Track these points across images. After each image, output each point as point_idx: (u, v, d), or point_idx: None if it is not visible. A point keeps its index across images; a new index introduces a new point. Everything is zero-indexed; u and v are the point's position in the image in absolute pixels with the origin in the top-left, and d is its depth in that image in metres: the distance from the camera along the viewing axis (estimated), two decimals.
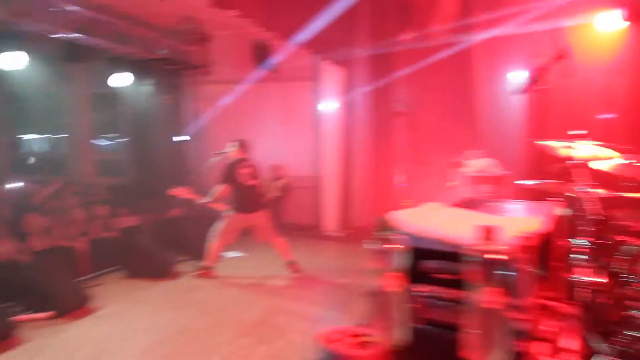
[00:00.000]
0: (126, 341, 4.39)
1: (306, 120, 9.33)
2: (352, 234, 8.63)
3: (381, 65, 8.42)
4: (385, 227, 2.69)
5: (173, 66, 8.54)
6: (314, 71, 8.99)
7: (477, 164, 6.97)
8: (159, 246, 6.60)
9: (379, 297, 2.59)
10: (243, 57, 9.30)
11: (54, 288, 4.94)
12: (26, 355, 4.09)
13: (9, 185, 9.10)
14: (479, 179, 6.69)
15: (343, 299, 5.46)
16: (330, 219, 8.87)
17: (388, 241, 2.62)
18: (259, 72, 9.04)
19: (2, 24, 5.76)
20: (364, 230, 8.57)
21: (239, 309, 5.20)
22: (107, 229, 7.48)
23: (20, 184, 9.37)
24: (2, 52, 5.98)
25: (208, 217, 8.76)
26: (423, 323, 2.76)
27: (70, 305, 4.95)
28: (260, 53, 9.21)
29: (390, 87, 8.40)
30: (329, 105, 8.74)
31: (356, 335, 2.69)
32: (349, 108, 8.61)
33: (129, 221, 7.89)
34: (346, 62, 8.33)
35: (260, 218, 6.21)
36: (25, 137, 12.15)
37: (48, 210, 7.29)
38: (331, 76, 8.63)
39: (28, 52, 6.20)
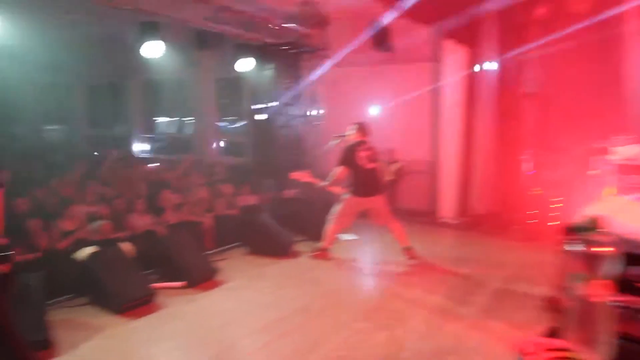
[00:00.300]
0: (250, 315, 4.57)
1: (425, 103, 8.98)
2: (471, 222, 8.18)
3: (510, 39, 7.76)
4: (591, 226, 2.36)
5: (294, 50, 8.68)
6: (435, 51, 8.59)
7: (626, 151, 6.15)
8: (279, 226, 6.78)
9: (582, 307, 2.29)
10: (362, 39, 9.18)
11: (186, 260, 5.29)
12: (163, 320, 4.43)
13: (147, 164, 10.00)
14: (627, 168, 5.90)
15: (463, 290, 5.19)
16: (447, 206, 8.50)
17: (596, 243, 2.31)
18: (377, 54, 8.86)
19: (145, 16, 6.22)
20: (483, 218, 8.09)
21: (355, 292, 5.18)
22: (230, 207, 7.89)
23: (156, 163, 10.27)
24: (145, 41, 6.43)
25: (325, 199, 8.90)
26: (621, 337, 2.39)
27: (200, 276, 5.28)
28: (379, 35, 9.03)
29: (520, 64, 7.75)
30: (450, 86, 8.30)
31: (556, 350, 2.35)
32: (472, 88, 8.09)
33: (250, 200, 8.25)
34: (470, 39, 7.80)
35: (378, 202, 6.09)
36: (159, 119, 13.31)
37: (179, 187, 7.87)
38: (453, 55, 8.16)
39: (164, 41, 6.63)
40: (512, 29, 7.69)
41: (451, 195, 8.43)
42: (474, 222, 8.13)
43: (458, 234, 7.88)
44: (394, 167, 9.13)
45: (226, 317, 4.49)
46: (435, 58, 8.60)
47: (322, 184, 6.27)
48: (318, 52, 9.22)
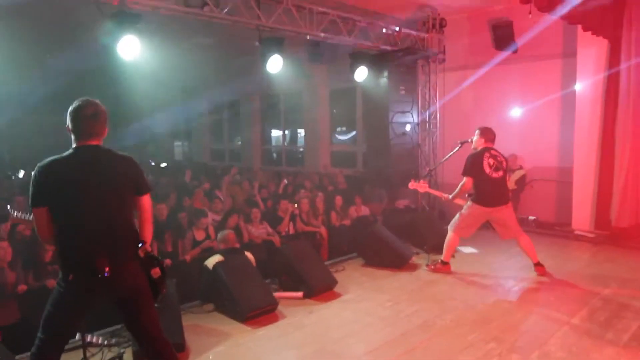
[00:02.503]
0: (370, 328, 4.45)
1: (555, 104, 8.24)
2: (611, 235, 7.30)
3: None
4: None
5: (409, 56, 8.49)
6: (568, 46, 7.85)
7: None
8: (395, 237, 6.59)
9: None
10: (480, 39, 8.72)
11: (305, 270, 5.31)
12: (285, 330, 4.47)
13: (264, 176, 10.40)
14: None
15: (608, 313, 4.59)
16: (583, 217, 7.66)
17: None
18: (499, 54, 8.35)
19: (269, 31, 6.46)
20: (626, 231, 7.17)
21: (481, 310, 4.81)
22: (344, 218, 7.87)
23: (272, 175, 10.65)
24: (268, 57, 6.66)
25: (440, 209, 8.53)
26: None
27: (318, 287, 5.27)
28: (500, 33, 8.52)
29: None
30: (586, 85, 7.49)
31: None
32: (612, 86, 7.22)
33: (363, 210, 8.17)
34: (610, 29, 6.96)
35: (504, 212, 5.64)
36: (274, 132, 13.85)
37: (294, 198, 8.04)
38: (590, 50, 7.36)
39: (282, 55, 6.81)
40: None
41: (587, 205, 7.59)
42: (615, 236, 7.25)
43: (596, 249, 7.06)
44: (517, 174, 8.52)
45: (346, 330, 4.41)
46: (568, 53, 7.86)
47: (447, 196, 5.93)
48: (435, 56, 8.93)
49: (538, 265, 5.75)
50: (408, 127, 8.96)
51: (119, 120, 13.93)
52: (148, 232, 3.00)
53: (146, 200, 2.97)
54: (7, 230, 5.27)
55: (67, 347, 3.71)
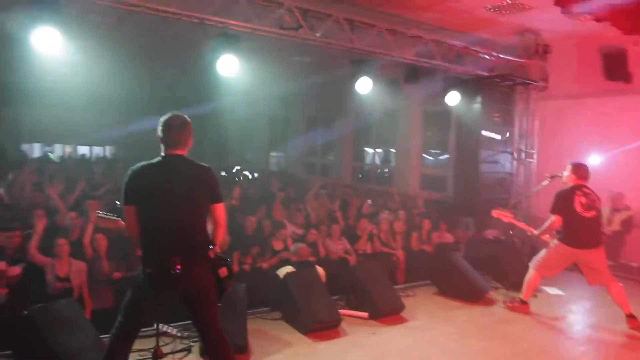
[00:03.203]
0: (430, 359, 4.36)
1: None
2: None
3: None
4: None
5: (506, 82, 8.20)
6: None
7: None
8: (474, 269, 6.37)
9: None
10: (588, 67, 8.18)
11: (373, 291, 5.34)
12: (345, 347, 4.53)
13: (349, 193, 10.53)
14: None
15: None
16: None
17: None
18: (609, 84, 7.75)
19: (361, 54, 6.66)
20: None
21: (556, 358, 4.50)
22: (425, 242, 7.74)
23: (358, 193, 10.74)
24: (357, 78, 6.84)
25: (532, 245, 8.06)
26: None
27: (385, 309, 5.27)
28: (612, 61, 7.92)
29: None
30: None
31: None
32: None
33: (446, 237, 7.97)
34: None
35: (594, 256, 5.22)
36: (365, 150, 13.96)
37: (375, 217, 8.07)
38: None
39: (373, 77, 6.95)
40: None
41: None
42: None
43: None
44: (620, 215, 7.80)
45: (404, 356, 4.37)
46: None
47: (533, 231, 5.63)
48: (534, 84, 8.53)
49: (631, 317, 5.23)
50: (501, 156, 8.60)
51: (219, 130, 15.05)
52: (219, 236, 3.29)
53: (220, 208, 3.24)
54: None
55: (144, 334, 4.14)
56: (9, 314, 3.96)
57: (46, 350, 3.47)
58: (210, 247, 3.19)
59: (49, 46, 4.80)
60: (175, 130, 3.15)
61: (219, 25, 5.56)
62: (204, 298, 3.14)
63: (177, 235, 3.04)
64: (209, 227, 3.28)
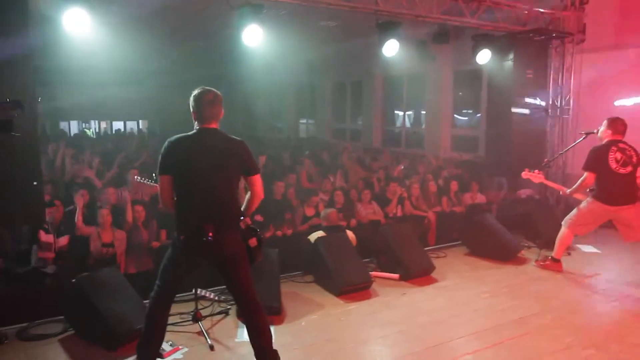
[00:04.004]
0: (460, 317, 4.44)
1: None
2: None
3: None
4: None
5: (541, 37, 7.89)
6: None
7: None
8: (506, 228, 6.34)
9: None
10: (628, 17, 7.76)
11: (404, 253, 5.42)
12: (375, 308, 4.66)
13: (378, 157, 10.52)
14: None
15: None
16: None
17: None
18: None
19: (384, 16, 6.53)
20: None
21: (587, 314, 4.52)
22: (456, 204, 7.72)
23: (388, 156, 10.72)
24: (384, 41, 6.72)
25: (563, 203, 7.92)
26: None
27: (416, 271, 5.35)
28: None
29: None
30: None
31: None
32: None
33: (478, 198, 7.92)
34: None
35: (629, 212, 5.10)
36: (396, 113, 13.81)
37: (407, 180, 8.08)
38: None
39: (400, 39, 6.79)
40: None
41: None
42: None
43: None
44: None
45: (436, 316, 4.46)
46: None
47: (565, 190, 5.54)
48: (571, 37, 8.17)
49: None
50: (535, 113, 8.35)
51: (248, 99, 15.18)
52: (253, 207, 3.41)
53: (256, 179, 3.35)
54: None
55: (184, 298, 4.38)
56: (59, 282, 4.27)
57: (94, 315, 3.73)
58: (242, 218, 3.31)
59: (80, 26, 4.96)
60: (207, 105, 3.23)
61: None
62: (236, 265, 3.27)
63: (210, 205, 3.17)
64: (246, 197, 3.40)
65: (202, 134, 3.25)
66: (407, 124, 13.26)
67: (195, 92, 3.28)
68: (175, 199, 3.24)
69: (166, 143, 3.23)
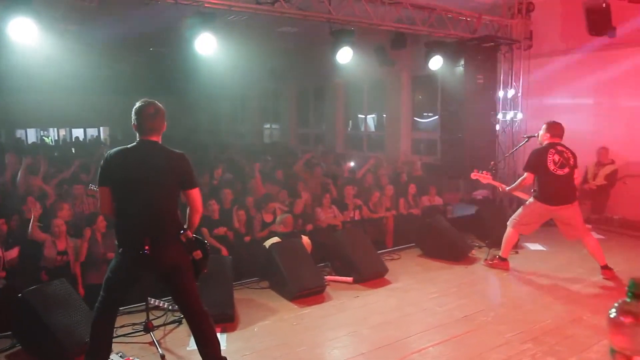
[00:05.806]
0: (409, 317, 4.60)
1: None
2: None
3: None
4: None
5: (490, 43, 8.20)
6: None
7: None
8: (459, 229, 6.57)
9: None
10: (572, 23, 8.14)
11: (357, 257, 5.55)
12: (329, 311, 4.78)
13: (339, 161, 10.67)
14: None
15: None
16: None
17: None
18: (594, 39, 7.72)
19: (340, 24, 6.66)
20: None
21: (528, 310, 4.73)
22: (412, 206, 7.93)
23: (349, 160, 10.89)
24: (339, 48, 6.83)
25: (516, 204, 8.22)
26: None
27: (368, 273, 5.50)
28: (596, 17, 7.86)
29: None
30: None
31: None
32: None
33: (436, 200, 8.15)
34: None
35: (568, 212, 5.40)
36: (356, 118, 14.03)
37: (364, 183, 8.24)
38: None
39: (355, 46, 6.92)
40: None
41: None
42: None
43: None
44: (605, 170, 7.93)
45: (385, 317, 4.61)
46: None
47: (505, 187, 5.83)
48: (518, 43, 8.51)
49: (605, 268, 5.45)
50: (487, 118, 8.64)
51: (212, 103, 15.11)
52: (195, 220, 3.44)
53: (195, 193, 3.37)
54: None
55: (136, 308, 4.39)
56: (7, 297, 4.21)
57: (41, 329, 3.72)
58: (182, 231, 3.30)
59: (26, 35, 4.90)
60: (148, 118, 3.25)
61: (194, 4, 5.61)
62: (178, 277, 3.29)
63: (147, 218, 3.19)
64: (187, 213, 3.43)
65: (142, 146, 3.28)
66: (371, 128, 13.49)
67: (137, 104, 3.30)
68: (115, 211, 3.26)
69: (106, 155, 3.27)
